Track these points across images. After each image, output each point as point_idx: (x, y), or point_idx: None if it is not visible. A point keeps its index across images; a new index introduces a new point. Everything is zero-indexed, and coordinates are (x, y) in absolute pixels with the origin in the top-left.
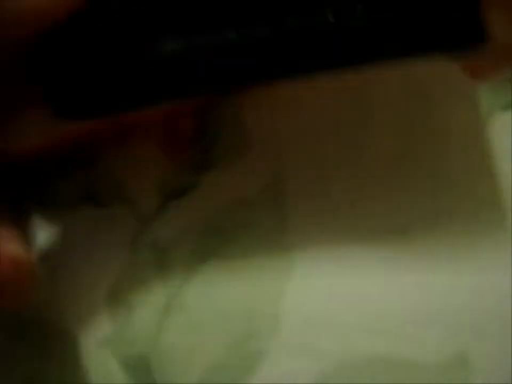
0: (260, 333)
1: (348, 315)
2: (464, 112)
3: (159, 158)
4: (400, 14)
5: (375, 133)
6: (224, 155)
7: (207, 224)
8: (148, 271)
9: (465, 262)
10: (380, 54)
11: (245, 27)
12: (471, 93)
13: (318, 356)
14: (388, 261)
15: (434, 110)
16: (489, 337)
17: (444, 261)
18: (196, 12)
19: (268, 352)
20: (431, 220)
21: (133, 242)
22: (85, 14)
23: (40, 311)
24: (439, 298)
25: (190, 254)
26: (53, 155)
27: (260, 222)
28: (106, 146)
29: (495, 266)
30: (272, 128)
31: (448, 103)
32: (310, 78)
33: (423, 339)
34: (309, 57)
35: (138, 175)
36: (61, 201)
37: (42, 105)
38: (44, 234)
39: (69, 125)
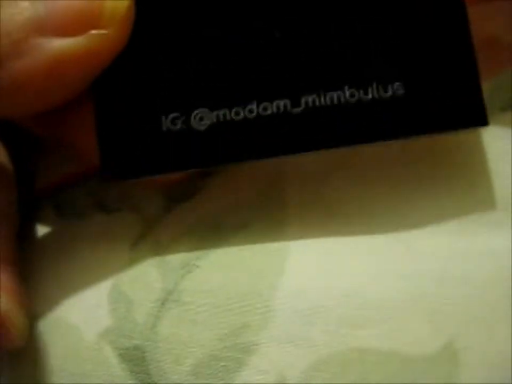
0: (252, 325)
1: (339, 308)
2: None
3: None
4: (405, 95)
5: None
6: None
7: (206, 224)
8: (148, 267)
9: (453, 252)
10: (382, 134)
11: (265, 102)
12: None
13: (308, 348)
14: (379, 255)
15: None
16: (477, 328)
17: (434, 252)
18: (218, 86)
19: (259, 344)
20: (425, 219)
21: (136, 243)
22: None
23: (47, 306)
24: (429, 290)
25: (188, 252)
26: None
27: (258, 222)
28: None
29: (482, 255)
30: None
31: None
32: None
33: (412, 331)
34: (313, 135)
35: (145, 183)
36: (74, 210)
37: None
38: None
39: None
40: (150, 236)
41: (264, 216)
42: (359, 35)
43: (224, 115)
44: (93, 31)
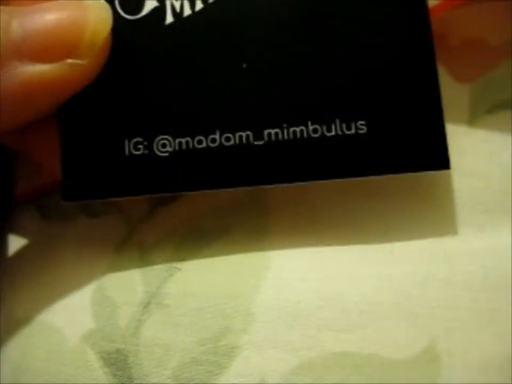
0: (233, 329)
1: (320, 312)
2: None
3: None
4: (368, 134)
5: None
6: None
7: (189, 228)
8: (131, 270)
9: (436, 255)
10: (343, 172)
11: (230, 132)
12: None
13: (289, 352)
14: (361, 259)
15: None
16: (459, 331)
17: (414, 254)
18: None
19: (240, 348)
20: (407, 224)
21: (120, 246)
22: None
23: (30, 308)
24: (411, 293)
25: (171, 255)
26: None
27: (240, 226)
28: None
29: (464, 257)
30: None
31: None
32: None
33: (393, 334)
34: (274, 168)
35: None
36: (58, 212)
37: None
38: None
39: None
40: (134, 239)
41: (246, 220)
42: (325, 72)
43: (187, 143)
44: (69, 60)
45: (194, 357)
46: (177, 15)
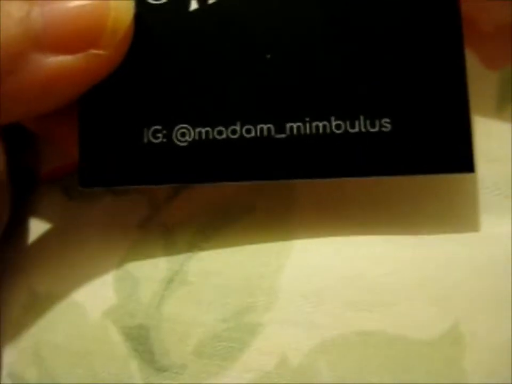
0: (256, 306)
1: (344, 291)
2: None
3: None
4: (391, 132)
5: None
6: None
7: (213, 208)
8: (154, 249)
9: (460, 238)
10: (365, 170)
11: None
12: None
13: (311, 331)
14: (387, 241)
15: None
16: (483, 313)
17: (438, 238)
18: (205, 105)
19: (263, 325)
20: (431, 207)
21: (143, 224)
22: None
23: (55, 285)
24: (436, 274)
25: (194, 234)
26: None
27: (265, 206)
28: None
29: (488, 240)
30: None
31: None
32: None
33: (417, 315)
34: (295, 163)
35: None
36: (82, 192)
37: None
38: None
39: None
40: (157, 218)
41: (271, 200)
42: (351, 66)
43: (207, 133)
44: (92, 51)
45: (216, 333)
46: (202, 1)
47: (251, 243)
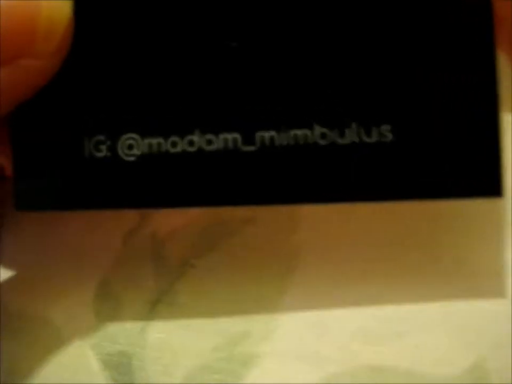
0: (253, 335)
1: (351, 322)
2: None
3: None
4: (393, 143)
5: None
6: None
7: (209, 218)
8: (142, 263)
9: (481, 268)
10: (356, 193)
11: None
12: None
13: (315, 364)
14: (395, 266)
15: None
16: (509, 347)
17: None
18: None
19: (260, 357)
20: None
21: (131, 235)
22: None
23: (28, 303)
24: (452, 304)
25: (189, 247)
26: None
27: (266, 216)
28: None
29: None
30: None
31: None
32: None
33: (435, 349)
34: (266, 183)
35: None
36: None
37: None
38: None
39: None
40: (147, 228)
41: (274, 209)
42: (342, 58)
43: (158, 145)
44: (23, 61)
45: (207, 364)
46: None
47: (250, 261)
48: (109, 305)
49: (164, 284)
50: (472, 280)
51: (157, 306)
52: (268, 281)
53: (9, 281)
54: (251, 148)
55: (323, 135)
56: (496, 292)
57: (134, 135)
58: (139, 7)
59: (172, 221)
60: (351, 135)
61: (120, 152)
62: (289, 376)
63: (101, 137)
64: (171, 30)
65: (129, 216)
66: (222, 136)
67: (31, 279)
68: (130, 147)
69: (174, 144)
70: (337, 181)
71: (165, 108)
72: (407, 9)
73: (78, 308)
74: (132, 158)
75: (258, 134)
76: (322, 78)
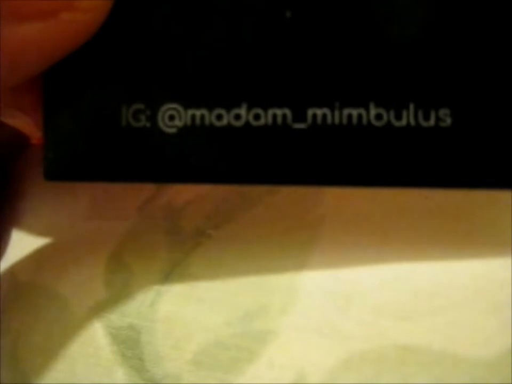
0: (271, 309)
1: (377, 296)
2: None
3: None
4: (452, 128)
5: None
6: None
7: (231, 188)
8: (156, 234)
9: None
10: (410, 178)
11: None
12: None
13: (338, 341)
14: (425, 239)
15: None
16: None
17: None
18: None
19: (277, 333)
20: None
21: (144, 205)
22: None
23: (38, 274)
24: (488, 280)
25: (205, 218)
26: None
27: (289, 190)
28: None
29: None
30: None
31: None
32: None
33: (472, 327)
34: (317, 163)
35: None
36: None
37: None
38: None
39: None
40: (162, 198)
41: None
42: (401, 35)
43: (202, 117)
44: (65, 15)
45: (220, 339)
46: None
47: (270, 232)
48: (119, 277)
49: (177, 255)
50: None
51: (169, 278)
52: (287, 253)
53: (20, 249)
54: (302, 126)
55: (379, 116)
56: None
57: (176, 105)
58: None
59: (188, 191)
60: (407, 117)
61: (160, 122)
62: (308, 354)
63: (141, 106)
64: None
65: (145, 186)
66: (271, 111)
67: (43, 247)
68: (171, 118)
69: (219, 117)
70: (390, 165)
71: (211, 77)
72: None
73: (87, 279)
74: (173, 130)
75: (310, 111)
76: (379, 54)
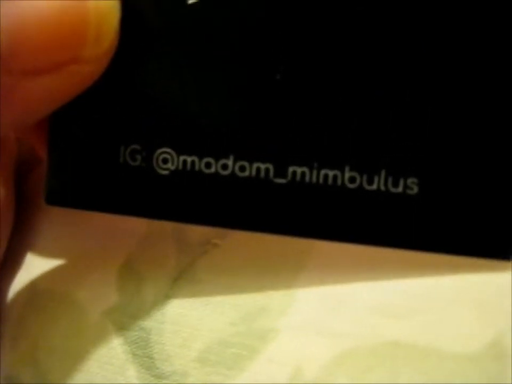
0: (270, 310)
1: (369, 296)
2: None
3: None
4: (418, 197)
5: None
6: None
7: None
8: (165, 244)
9: None
10: (376, 238)
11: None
12: None
13: (332, 339)
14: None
15: None
16: None
17: None
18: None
19: (276, 332)
20: None
21: None
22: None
23: (55, 282)
24: (471, 279)
25: (211, 229)
26: None
27: None
28: None
29: None
30: None
31: None
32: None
33: (453, 325)
34: (293, 216)
35: None
36: None
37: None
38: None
39: None
40: None
41: None
42: (380, 106)
43: (192, 163)
44: (73, 67)
45: (224, 338)
46: None
47: (271, 241)
48: (131, 283)
49: (185, 262)
50: None
51: (177, 283)
52: (286, 260)
53: (38, 261)
54: (282, 181)
55: (352, 179)
56: None
57: (170, 150)
58: (191, 14)
59: None
60: (378, 183)
61: (154, 164)
62: (304, 351)
63: (137, 147)
64: (215, 51)
65: None
66: (255, 164)
67: (59, 257)
68: (165, 161)
69: (208, 165)
70: (359, 224)
71: (203, 129)
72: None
73: (102, 286)
74: (166, 172)
75: (291, 168)
76: (358, 124)
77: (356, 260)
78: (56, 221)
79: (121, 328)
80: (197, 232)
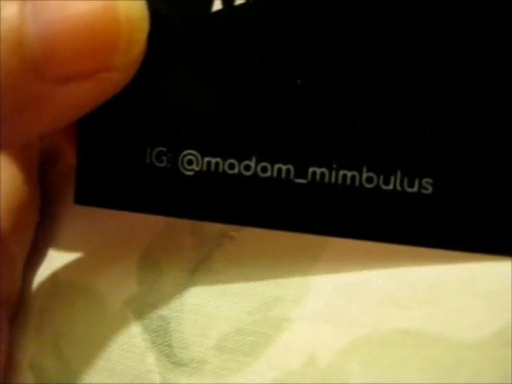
0: (285, 299)
1: (383, 285)
2: None
3: None
4: (432, 196)
5: None
6: None
7: None
8: (183, 236)
9: None
10: (392, 235)
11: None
12: None
13: (344, 327)
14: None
15: None
16: None
17: None
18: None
19: (291, 320)
20: None
21: None
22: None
23: (77, 273)
24: (481, 267)
25: None
26: None
27: None
28: None
29: None
30: None
31: None
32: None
33: (462, 313)
34: (312, 215)
35: None
36: None
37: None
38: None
39: None
40: None
41: None
42: (394, 109)
43: (216, 164)
44: (104, 75)
45: (240, 327)
46: (227, 0)
47: (285, 233)
48: (150, 274)
49: (202, 254)
50: None
51: (195, 274)
52: (300, 251)
53: (61, 252)
54: (302, 181)
55: (369, 179)
56: None
57: (194, 152)
58: (215, 22)
59: None
60: (394, 183)
61: (179, 165)
62: (318, 338)
63: (163, 149)
64: (238, 56)
65: None
66: (276, 165)
67: (81, 250)
68: (189, 162)
69: (231, 166)
70: (376, 222)
71: (227, 131)
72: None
73: (122, 276)
74: (190, 173)
75: (311, 169)
76: (377, 126)
77: (367, 251)
78: (78, 214)
79: (141, 317)
80: (213, 225)
